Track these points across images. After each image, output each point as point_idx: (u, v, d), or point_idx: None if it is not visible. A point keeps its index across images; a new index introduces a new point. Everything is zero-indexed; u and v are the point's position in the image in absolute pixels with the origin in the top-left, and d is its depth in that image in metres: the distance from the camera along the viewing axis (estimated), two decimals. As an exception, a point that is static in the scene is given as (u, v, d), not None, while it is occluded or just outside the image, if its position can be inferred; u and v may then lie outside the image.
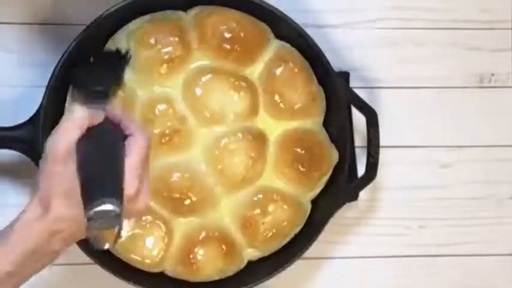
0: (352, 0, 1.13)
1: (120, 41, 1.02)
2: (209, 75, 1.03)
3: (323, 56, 1.05)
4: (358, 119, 1.06)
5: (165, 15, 1.03)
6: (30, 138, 1.00)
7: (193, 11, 1.04)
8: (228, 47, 1.03)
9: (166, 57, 1.02)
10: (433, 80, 1.15)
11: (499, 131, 1.15)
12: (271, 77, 1.04)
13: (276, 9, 1.04)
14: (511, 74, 1.16)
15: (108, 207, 0.78)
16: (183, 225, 1.03)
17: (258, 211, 1.04)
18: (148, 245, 1.02)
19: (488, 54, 1.15)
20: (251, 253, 1.06)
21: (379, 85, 1.13)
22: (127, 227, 0.96)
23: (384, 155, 1.06)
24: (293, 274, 1.07)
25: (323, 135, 1.06)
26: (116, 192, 0.80)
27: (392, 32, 1.14)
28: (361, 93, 1.06)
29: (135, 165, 0.83)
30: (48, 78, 1.00)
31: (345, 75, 1.10)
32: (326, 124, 1.07)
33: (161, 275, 1.04)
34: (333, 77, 1.05)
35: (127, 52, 0.96)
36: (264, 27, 1.05)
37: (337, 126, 1.06)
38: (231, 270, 1.05)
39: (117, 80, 0.92)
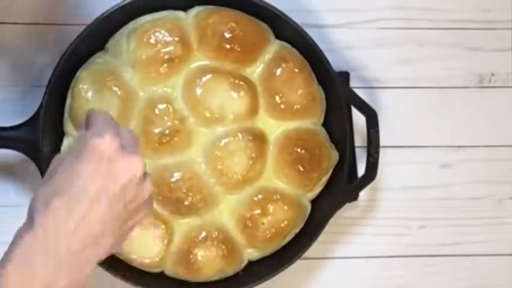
0: (352, 0, 1.13)
1: (120, 41, 1.02)
2: (209, 75, 1.03)
3: (323, 56, 1.05)
4: (358, 119, 1.06)
5: (165, 15, 1.03)
6: (30, 138, 1.00)
7: (193, 11, 1.04)
8: (228, 47, 1.03)
9: (166, 57, 1.02)
10: (433, 80, 1.15)
11: (499, 131, 1.15)
12: (271, 77, 1.04)
13: (276, 9, 1.04)
14: (511, 74, 1.16)
15: None
16: (183, 225, 1.03)
17: (258, 211, 1.04)
18: (148, 245, 1.02)
19: (488, 54, 1.15)
20: (251, 253, 1.06)
21: (379, 85, 1.13)
22: None
23: (383, 155, 1.06)
24: (293, 274, 1.07)
25: (323, 135, 1.06)
26: None
27: (392, 32, 1.14)
28: (361, 93, 1.06)
29: None
30: (48, 78, 1.00)
31: (345, 75, 1.10)
32: (326, 124, 1.07)
33: (161, 275, 1.04)
34: (333, 77, 1.05)
35: None
36: (264, 27, 1.05)
37: (337, 126, 1.06)
38: (231, 270, 1.05)
39: None
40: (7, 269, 0.71)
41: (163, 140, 1.02)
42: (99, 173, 0.74)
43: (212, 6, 1.04)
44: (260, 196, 1.04)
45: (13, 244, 0.73)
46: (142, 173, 0.77)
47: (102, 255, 0.76)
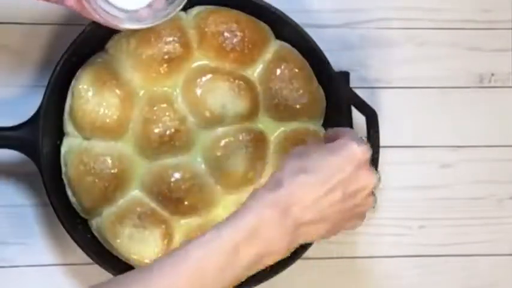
0: (352, 0, 1.13)
1: (120, 41, 1.02)
2: (209, 75, 1.03)
3: (323, 56, 1.05)
4: (358, 119, 1.06)
5: (165, 15, 1.03)
6: (30, 138, 1.00)
7: (194, 11, 1.04)
8: (228, 47, 1.03)
9: (166, 57, 1.02)
10: (433, 80, 1.15)
11: (499, 131, 1.15)
12: (271, 77, 1.04)
13: (277, 9, 1.04)
14: (511, 74, 1.16)
15: None
16: (183, 225, 1.03)
17: (258, 211, 1.04)
18: (148, 245, 1.02)
19: (488, 54, 1.15)
20: (251, 253, 1.05)
21: (379, 85, 1.13)
22: None
23: (383, 155, 1.06)
24: (293, 274, 1.07)
25: (323, 135, 1.06)
26: None
27: (392, 32, 1.14)
28: (361, 93, 1.06)
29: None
30: (48, 78, 1.00)
31: (345, 75, 1.10)
32: (326, 124, 1.07)
33: (161, 275, 1.04)
34: (333, 77, 1.05)
35: None
36: (264, 27, 1.05)
37: (337, 126, 1.06)
38: (231, 270, 1.05)
39: None
40: (241, 219, 0.83)
41: (164, 140, 1.02)
42: (346, 170, 0.86)
43: (212, 6, 1.04)
44: (260, 196, 1.04)
45: (251, 199, 0.85)
46: (373, 189, 0.88)
47: (315, 238, 0.88)
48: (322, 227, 0.86)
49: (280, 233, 0.83)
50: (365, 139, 0.90)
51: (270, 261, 0.84)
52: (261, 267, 0.84)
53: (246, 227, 0.82)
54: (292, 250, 0.88)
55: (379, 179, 0.88)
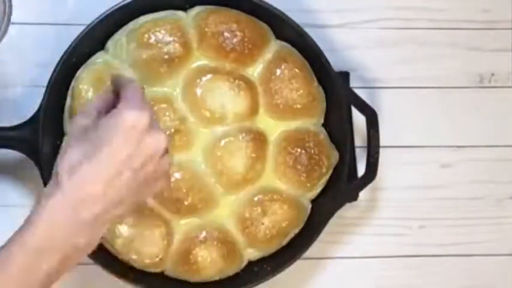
0: (352, 0, 1.13)
1: (120, 41, 1.02)
2: (209, 75, 1.03)
3: (323, 56, 1.05)
4: (358, 119, 1.06)
5: (165, 15, 1.03)
6: (30, 138, 1.00)
7: (193, 11, 1.05)
8: (228, 47, 1.03)
9: (166, 57, 1.02)
10: (433, 80, 1.15)
11: (499, 131, 1.16)
12: (271, 77, 1.04)
13: (276, 9, 1.04)
14: (511, 74, 1.16)
15: None
16: (183, 225, 1.03)
17: (258, 211, 1.04)
18: (148, 245, 1.02)
19: (488, 54, 1.15)
20: (251, 253, 1.06)
21: (379, 85, 1.13)
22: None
23: (384, 155, 1.06)
24: (293, 274, 1.07)
25: (323, 135, 1.06)
26: None
27: (392, 32, 1.14)
28: (361, 93, 1.06)
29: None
30: (48, 78, 1.00)
31: (345, 75, 1.10)
32: (326, 124, 1.07)
33: (161, 275, 1.04)
34: (333, 77, 1.05)
35: None
36: (264, 27, 1.05)
37: (337, 126, 1.06)
38: (231, 270, 1.05)
39: None
40: (35, 227, 0.77)
41: (163, 140, 1.01)
42: (129, 144, 0.78)
43: (212, 6, 1.04)
44: (260, 196, 1.04)
45: (38, 205, 0.78)
46: (163, 150, 0.82)
47: (117, 219, 0.83)
48: (125, 206, 0.80)
49: (77, 232, 0.78)
50: (142, 98, 0.81)
51: (79, 258, 0.80)
52: (73, 264, 0.80)
53: (35, 244, 0.77)
54: (102, 236, 0.82)
55: (165, 138, 0.81)
